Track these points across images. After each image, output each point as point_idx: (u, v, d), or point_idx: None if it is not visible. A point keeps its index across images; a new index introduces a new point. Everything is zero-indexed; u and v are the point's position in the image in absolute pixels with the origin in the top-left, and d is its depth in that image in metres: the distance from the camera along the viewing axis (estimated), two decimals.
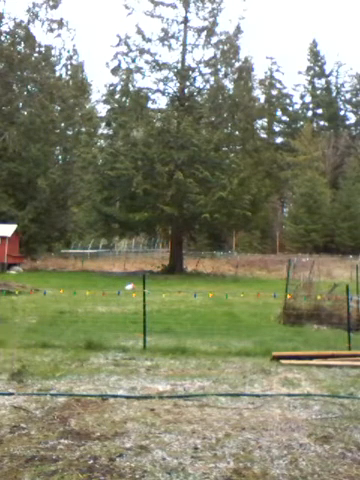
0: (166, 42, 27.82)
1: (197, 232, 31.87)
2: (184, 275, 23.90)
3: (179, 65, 28.37)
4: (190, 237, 32.74)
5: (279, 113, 57.93)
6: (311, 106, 58.97)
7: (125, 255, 33.21)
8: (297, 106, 59.06)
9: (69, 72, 40.98)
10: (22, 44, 33.23)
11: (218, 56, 28.36)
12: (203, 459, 2.56)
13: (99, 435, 2.89)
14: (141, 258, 32.59)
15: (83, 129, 38.24)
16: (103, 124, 31.62)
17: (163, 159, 25.13)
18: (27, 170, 31.72)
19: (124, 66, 28.29)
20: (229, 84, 29.51)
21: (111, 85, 28.58)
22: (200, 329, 7.17)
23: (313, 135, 49.55)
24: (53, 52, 36.62)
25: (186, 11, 27.96)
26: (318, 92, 58.21)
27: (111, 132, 29.58)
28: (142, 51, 27.69)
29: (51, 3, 33.72)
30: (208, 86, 28.83)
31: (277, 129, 58.19)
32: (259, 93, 51.96)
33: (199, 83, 28.99)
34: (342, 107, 58.38)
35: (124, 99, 29.01)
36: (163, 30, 27.71)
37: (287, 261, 10.37)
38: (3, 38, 32.94)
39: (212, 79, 28.68)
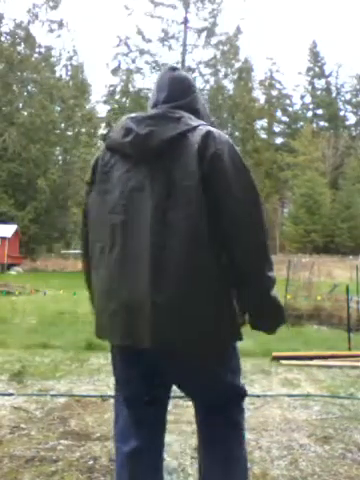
0: (166, 43, 27.94)
1: None
2: None
3: (179, 65, 28.40)
4: None
5: (279, 113, 57.98)
6: (311, 107, 59.00)
7: None
8: (297, 107, 59.14)
9: (69, 73, 41.01)
10: (22, 45, 33.27)
11: (218, 57, 28.45)
12: None
13: (99, 436, 2.89)
14: None
15: (83, 130, 38.26)
16: (103, 125, 31.67)
17: None
18: (27, 171, 31.70)
19: (124, 67, 28.44)
20: (229, 85, 29.68)
21: (111, 86, 28.65)
22: None
23: (313, 136, 49.56)
24: (53, 53, 36.68)
25: (186, 12, 28.02)
26: (318, 93, 58.23)
27: None
28: (142, 52, 27.79)
29: (51, 4, 33.78)
30: (208, 87, 28.92)
31: (277, 130, 58.24)
32: (259, 94, 52.31)
33: (199, 83, 29.05)
34: (342, 108, 58.44)
35: (124, 100, 29.07)
36: (163, 31, 27.82)
37: (287, 261, 10.38)
38: (3, 38, 32.98)
39: (212, 79, 28.75)
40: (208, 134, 1.50)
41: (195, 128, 1.52)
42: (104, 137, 1.65)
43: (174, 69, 1.74)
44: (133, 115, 1.59)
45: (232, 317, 1.53)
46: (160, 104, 1.64)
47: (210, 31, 27.92)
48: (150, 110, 1.67)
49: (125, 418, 1.64)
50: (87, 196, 1.69)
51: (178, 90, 1.67)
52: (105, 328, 1.59)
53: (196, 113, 1.64)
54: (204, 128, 1.52)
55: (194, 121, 1.56)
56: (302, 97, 58.91)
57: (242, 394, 1.69)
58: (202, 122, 1.57)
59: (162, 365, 1.57)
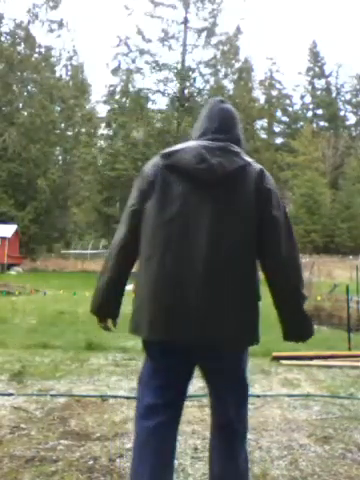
0: (166, 43, 27.87)
1: None
2: None
3: (179, 66, 28.38)
4: None
5: (279, 114, 57.95)
6: (311, 107, 58.99)
7: None
8: (297, 107, 59.13)
9: (69, 73, 41.03)
10: (22, 45, 33.25)
11: (218, 57, 28.40)
12: (203, 460, 2.56)
13: (99, 436, 2.89)
14: None
15: (83, 130, 38.26)
16: (103, 125, 31.69)
17: None
18: (27, 171, 31.65)
19: (124, 67, 28.36)
20: (229, 85, 29.64)
21: (111, 86, 28.61)
22: None
23: (313, 136, 49.53)
24: (53, 53, 36.65)
25: (186, 12, 27.98)
26: (318, 93, 58.22)
27: (111, 132, 29.62)
28: (142, 52, 27.71)
29: (51, 4, 33.76)
30: (208, 87, 28.87)
31: (277, 130, 58.23)
32: (259, 94, 52.29)
33: (199, 84, 29.05)
34: (342, 108, 58.42)
35: (124, 100, 29.04)
36: (163, 31, 27.76)
37: None
38: (3, 39, 32.95)
39: (212, 80, 28.72)
40: (262, 171, 1.86)
41: (250, 163, 1.86)
42: (165, 155, 1.88)
43: (222, 101, 2.05)
44: (204, 144, 1.87)
45: (258, 324, 1.86)
46: (211, 133, 1.94)
47: (210, 31, 27.89)
48: (204, 138, 1.93)
49: (152, 398, 1.86)
50: (140, 201, 1.88)
51: (227, 122, 1.98)
52: (141, 325, 1.84)
53: (239, 142, 1.96)
54: (257, 165, 1.88)
55: (246, 156, 1.89)
56: (302, 97, 58.98)
57: (248, 389, 2.00)
58: (251, 159, 1.91)
59: (198, 358, 1.86)
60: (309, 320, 1.90)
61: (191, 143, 1.91)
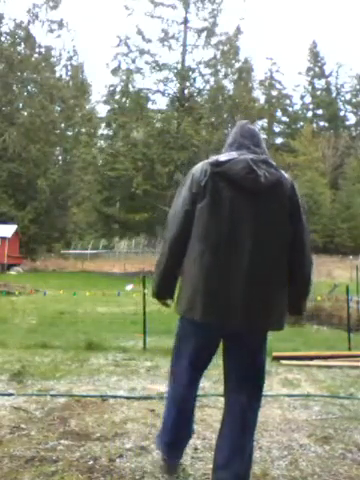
0: (166, 43, 27.81)
1: None
2: None
3: (179, 66, 28.33)
4: None
5: (279, 114, 57.89)
6: (311, 107, 58.93)
7: (125, 256, 33.18)
8: (297, 107, 59.07)
9: (69, 73, 41.00)
10: (22, 45, 33.22)
11: (218, 57, 28.34)
12: (203, 460, 2.56)
13: (99, 436, 2.89)
14: (141, 259, 32.52)
15: (83, 130, 38.23)
16: (103, 125, 31.63)
17: (163, 160, 25.14)
18: (27, 171, 31.61)
19: (124, 67, 28.31)
20: (229, 85, 29.56)
21: (111, 86, 28.56)
22: None
23: (313, 136, 49.49)
24: (53, 53, 36.61)
25: (186, 12, 27.94)
26: (318, 93, 58.17)
27: (111, 133, 29.59)
28: (142, 52, 27.67)
29: (51, 4, 33.76)
30: (208, 87, 28.82)
31: (277, 130, 58.17)
32: (259, 94, 52.16)
33: (199, 84, 29.00)
34: (342, 108, 58.35)
35: (124, 100, 28.98)
36: (163, 31, 27.71)
37: None
38: (3, 39, 32.93)
39: (212, 80, 28.68)
40: (293, 184, 2.23)
41: (284, 175, 2.21)
42: (215, 163, 2.14)
43: (249, 123, 2.38)
44: (251, 156, 2.15)
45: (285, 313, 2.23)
46: (246, 147, 2.22)
47: (210, 31, 27.83)
48: (242, 150, 2.20)
49: (184, 361, 2.24)
50: (191, 202, 2.16)
51: (256, 139, 2.30)
52: (194, 308, 2.10)
53: (265, 154, 2.26)
54: (289, 177, 2.23)
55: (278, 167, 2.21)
56: (302, 97, 58.90)
57: (264, 383, 2.30)
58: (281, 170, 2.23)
59: (230, 339, 2.20)
60: (306, 300, 2.39)
61: (235, 154, 2.16)
